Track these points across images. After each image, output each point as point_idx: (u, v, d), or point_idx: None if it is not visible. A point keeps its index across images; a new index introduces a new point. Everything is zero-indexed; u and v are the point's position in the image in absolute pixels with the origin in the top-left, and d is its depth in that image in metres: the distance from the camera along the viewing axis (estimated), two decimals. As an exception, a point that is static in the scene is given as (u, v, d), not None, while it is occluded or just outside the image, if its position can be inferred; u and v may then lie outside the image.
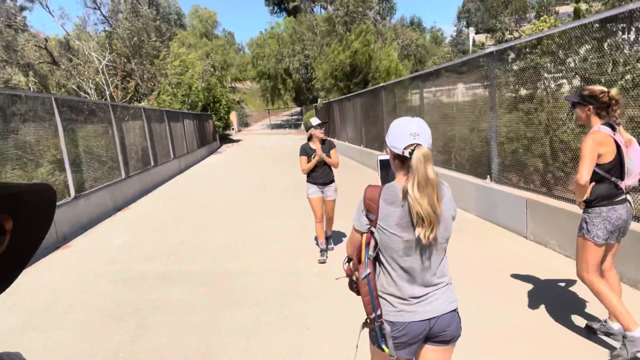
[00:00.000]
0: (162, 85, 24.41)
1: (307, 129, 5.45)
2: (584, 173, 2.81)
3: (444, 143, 8.40)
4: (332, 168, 5.50)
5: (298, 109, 49.18)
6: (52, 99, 7.92)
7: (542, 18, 21.71)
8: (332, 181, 5.50)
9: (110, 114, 10.68)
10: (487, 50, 6.26)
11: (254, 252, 5.93)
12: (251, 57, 44.30)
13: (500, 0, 24.89)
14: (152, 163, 13.50)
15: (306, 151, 5.38)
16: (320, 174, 5.39)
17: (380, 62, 20.09)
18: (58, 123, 7.92)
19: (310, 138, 5.44)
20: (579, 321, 3.49)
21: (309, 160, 5.33)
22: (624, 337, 2.88)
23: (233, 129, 41.74)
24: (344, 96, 18.31)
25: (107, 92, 24.15)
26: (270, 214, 8.13)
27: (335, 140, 19.01)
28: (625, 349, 2.85)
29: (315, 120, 5.34)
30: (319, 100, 27.16)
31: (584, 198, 2.94)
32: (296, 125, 43.89)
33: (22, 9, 37.01)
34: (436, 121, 8.67)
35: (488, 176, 6.46)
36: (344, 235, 6.22)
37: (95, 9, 31.33)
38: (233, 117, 41.60)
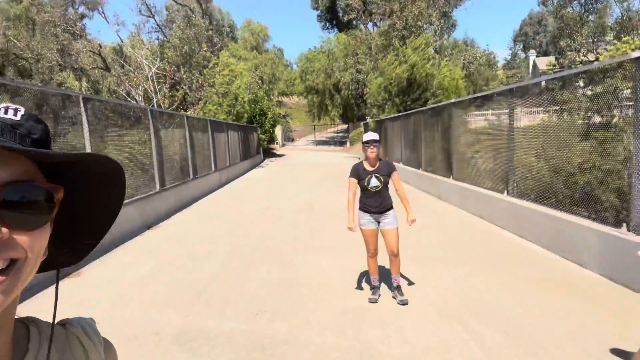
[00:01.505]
0: (209, 94, 23.74)
1: (362, 144, 4.40)
2: None
3: (546, 174, 6.73)
4: (390, 192, 4.43)
5: (344, 126, 47.98)
6: (80, 97, 6.88)
7: (624, 39, 19.54)
8: (391, 208, 4.45)
9: (149, 119, 9.65)
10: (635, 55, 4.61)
11: (302, 309, 4.47)
12: (300, 71, 43.69)
13: (576, 19, 22.85)
14: (192, 175, 12.42)
15: (358, 173, 4.44)
16: (375, 201, 4.35)
17: (443, 77, 18.46)
18: (84, 124, 6.85)
19: (366, 157, 4.40)
20: None
21: (363, 185, 4.34)
22: None
23: (277, 143, 40.95)
24: (401, 113, 16.78)
25: (154, 100, 23.74)
26: (320, 248, 6.68)
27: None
28: None
29: (367, 135, 4.40)
30: (368, 118, 25.73)
31: None
32: (341, 143, 42.59)
33: (82, 17, 38.06)
34: (535, 146, 7.03)
35: (624, 224, 4.76)
36: (411, 280, 4.69)
37: (149, 17, 31.57)
38: (278, 131, 40.85)
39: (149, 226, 8.66)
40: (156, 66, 24.08)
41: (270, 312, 4.31)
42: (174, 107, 23.95)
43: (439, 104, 11.65)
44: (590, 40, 22.81)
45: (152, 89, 23.89)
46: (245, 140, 23.30)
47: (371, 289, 4.62)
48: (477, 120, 9.50)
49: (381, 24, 28.80)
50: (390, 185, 4.45)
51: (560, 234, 5.86)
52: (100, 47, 31.21)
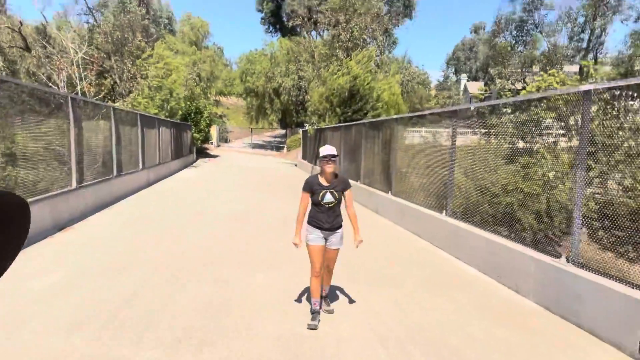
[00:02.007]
0: (141, 87, 22.34)
1: (317, 158, 4.12)
2: None
3: (481, 197, 6.76)
4: (342, 209, 4.24)
5: (282, 131, 47.56)
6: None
7: (550, 72, 20.90)
8: (340, 226, 4.29)
9: (69, 108, 8.66)
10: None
11: (233, 336, 4.00)
12: (240, 72, 42.73)
13: (507, 49, 24.23)
14: (115, 172, 11.40)
15: (312, 187, 4.19)
16: (327, 217, 4.14)
17: (382, 92, 18.68)
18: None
19: (322, 171, 4.22)
20: None
21: (316, 200, 4.14)
22: None
23: (212, 143, 39.63)
24: (342, 123, 16.70)
25: (79, 87, 21.92)
26: (256, 263, 6.21)
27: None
28: None
29: (325, 149, 4.16)
30: (307, 125, 25.54)
31: None
32: (278, 148, 42.11)
33: (2, -11, 34.56)
34: (473, 167, 7.08)
35: (563, 255, 4.78)
36: (343, 292, 4.40)
37: (80, -2, 29.29)
38: (213, 131, 39.55)
39: (60, 227, 7.71)
40: (83, 51, 22.28)
41: (196, 340, 3.80)
42: (100, 96, 22.26)
43: (383, 118, 11.64)
44: (519, 69, 24.28)
45: (77, 75, 22.06)
46: (178, 138, 22.15)
47: (311, 312, 4.27)
48: (419, 137, 9.52)
49: (325, 34, 28.85)
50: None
51: (497, 258, 5.86)
52: (21, 24, 28.41)
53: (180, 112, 25.31)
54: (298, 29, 36.95)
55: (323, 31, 30.95)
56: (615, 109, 4.57)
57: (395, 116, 10.04)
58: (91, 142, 10.10)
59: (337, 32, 22.09)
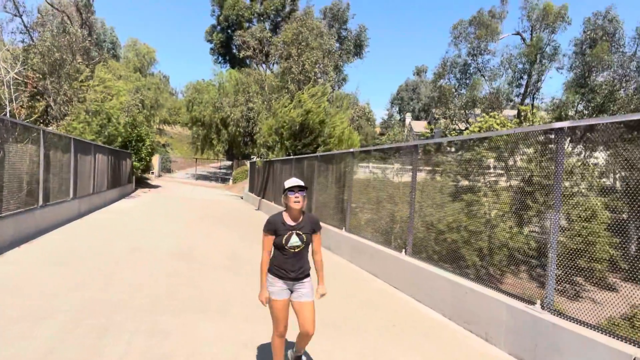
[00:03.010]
0: (77, 110, 20.94)
1: (283, 193, 3.51)
2: None
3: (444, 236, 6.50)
4: (310, 255, 3.60)
5: (229, 162, 46.54)
6: None
7: (492, 114, 21.91)
8: (308, 275, 3.61)
9: (-11, 128, 7.63)
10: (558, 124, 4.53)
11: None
12: (187, 101, 41.73)
13: (451, 91, 25.24)
14: (41, 201, 10.21)
15: (275, 227, 3.46)
16: (293, 264, 3.44)
17: (334, 128, 18.58)
18: None
19: (286, 207, 3.52)
20: None
21: (279, 242, 3.42)
22: None
23: (153, 173, 37.89)
24: (292, 156, 16.31)
25: (8, 108, 20.18)
26: (203, 308, 5.48)
27: (280, 208, 16.66)
28: None
29: (292, 181, 3.49)
30: (255, 157, 24.98)
31: None
32: (224, 180, 40.98)
33: None
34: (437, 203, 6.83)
35: (539, 301, 4.51)
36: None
37: (15, 15, 27.46)
38: (155, 160, 37.94)
39: (-33, 266, 6.56)
40: (15, 70, 20.69)
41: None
42: (32, 119, 20.59)
43: (339, 151, 11.35)
44: (462, 110, 25.28)
45: (6, 96, 20.34)
46: (116, 166, 20.79)
47: None
48: (377, 172, 9.26)
49: (276, 68, 28.82)
50: None
51: (464, 303, 5.53)
52: (-56, 38, 26.15)
53: (119, 139, 23.93)
54: (248, 61, 36.79)
55: (273, 64, 30.96)
56: (587, 146, 4.45)
57: (352, 149, 9.76)
58: (15, 167, 8.99)
59: (288, 64, 22.03)
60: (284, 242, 3.41)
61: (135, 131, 27.69)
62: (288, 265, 3.44)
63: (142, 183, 30.89)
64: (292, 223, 3.47)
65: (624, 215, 4.94)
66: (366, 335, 4.99)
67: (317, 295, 3.66)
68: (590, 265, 5.22)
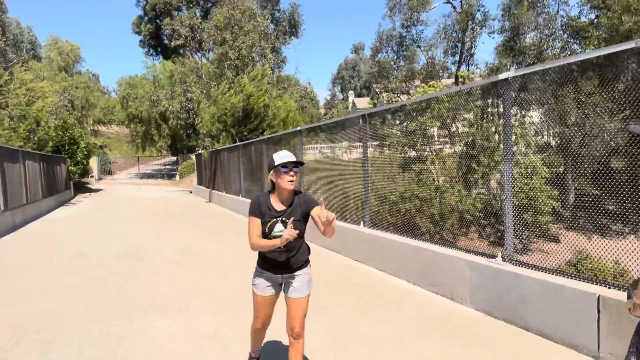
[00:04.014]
0: (1, 117, 19.31)
1: (269, 169, 2.83)
2: None
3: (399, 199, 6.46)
4: (306, 242, 2.99)
5: (173, 158, 44.92)
6: None
7: (430, 83, 22.34)
8: (304, 264, 2.95)
9: None
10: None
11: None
12: (121, 97, 39.68)
13: (390, 64, 25.44)
14: (-34, 217, 9.28)
15: (259, 209, 2.81)
16: (280, 255, 2.84)
17: (278, 109, 18.21)
18: None
19: (273, 188, 2.87)
20: None
21: (268, 233, 2.79)
22: None
23: (92, 176, 35.92)
24: (239, 142, 15.86)
25: None
26: (157, 309, 5.13)
27: (231, 197, 16.18)
28: None
29: (283, 155, 2.77)
30: (200, 149, 24.20)
31: None
32: (170, 176, 39.56)
33: None
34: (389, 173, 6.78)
35: (499, 254, 4.53)
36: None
37: None
38: (93, 162, 35.96)
39: None
40: None
41: None
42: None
43: (287, 131, 11.10)
44: (402, 83, 25.59)
45: None
46: (50, 173, 19.41)
47: None
48: (327, 148, 9.11)
49: (211, 54, 27.84)
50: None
51: (427, 266, 5.52)
52: None
53: (50, 144, 22.37)
54: (181, 51, 35.32)
55: (208, 52, 29.87)
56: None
57: (299, 128, 9.54)
58: None
59: (224, 50, 21.29)
60: (267, 231, 2.80)
61: (68, 134, 26.00)
62: (274, 256, 2.85)
63: (81, 188, 29.22)
64: (280, 208, 2.83)
65: (560, 169, 5.09)
66: (334, 311, 4.86)
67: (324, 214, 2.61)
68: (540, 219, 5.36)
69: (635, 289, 1.64)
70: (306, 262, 2.97)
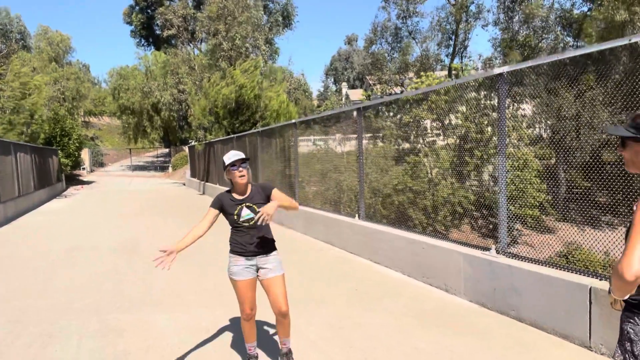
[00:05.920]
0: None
1: (224, 170, 3.24)
2: (635, 262, 1.46)
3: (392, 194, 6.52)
4: (271, 229, 3.40)
5: (166, 150, 44.67)
6: None
7: (422, 75, 22.33)
8: (274, 249, 3.35)
9: None
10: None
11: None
12: (112, 88, 39.30)
13: (384, 56, 25.37)
14: (-42, 211, 9.23)
15: (221, 203, 3.23)
16: (251, 238, 3.18)
17: (271, 100, 18.16)
18: None
19: (232, 185, 3.27)
20: None
21: (232, 220, 3.21)
22: None
23: (84, 168, 35.67)
24: (232, 135, 15.85)
25: None
26: (155, 303, 5.17)
27: (225, 189, 16.15)
28: None
29: (231, 155, 3.19)
30: (193, 141, 24.08)
31: (627, 296, 1.61)
32: (163, 168, 39.38)
33: None
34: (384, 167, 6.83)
35: (493, 246, 4.61)
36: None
37: None
38: (85, 154, 35.70)
39: None
40: None
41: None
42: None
43: (281, 124, 11.08)
44: (396, 74, 25.53)
45: None
46: (42, 165, 19.27)
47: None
48: (322, 141, 9.13)
49: (204, 46, 27.62)
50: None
51: (422, 258, 5.59)
52: None
53: (42, 136, 22.17)
54: (174, 41, 34.98)
55: (201, 42, 29.62)
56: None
57: (294, 120, 9.53)
58: None
59: (218, 41, 21.12)
60: (236, 218, 3.18)
61: (59, 126, 25.78)
62: (246, 239, 3.19)
63: (73, 180, 29.03)
64: (240, 197, 3.22)
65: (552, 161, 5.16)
66: (330, 304, 4.93)
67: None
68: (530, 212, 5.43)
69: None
70: (274, 247, 3.36)
